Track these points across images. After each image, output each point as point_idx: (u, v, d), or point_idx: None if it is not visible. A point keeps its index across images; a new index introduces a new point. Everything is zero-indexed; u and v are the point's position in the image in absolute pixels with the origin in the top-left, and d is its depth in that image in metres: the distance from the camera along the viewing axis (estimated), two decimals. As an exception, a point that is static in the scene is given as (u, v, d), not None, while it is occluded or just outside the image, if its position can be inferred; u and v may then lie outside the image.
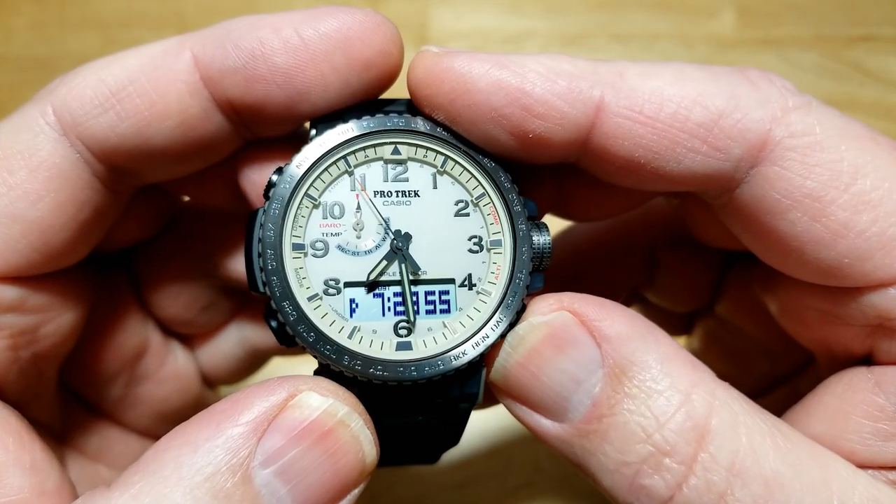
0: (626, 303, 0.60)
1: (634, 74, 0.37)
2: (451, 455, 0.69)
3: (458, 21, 0.96)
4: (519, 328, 0.38)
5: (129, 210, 0.45)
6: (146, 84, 0.37)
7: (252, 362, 0.57)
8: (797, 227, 0.36)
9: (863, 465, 0.36)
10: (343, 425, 0.35)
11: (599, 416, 0.35)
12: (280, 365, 0.63)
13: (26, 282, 0.40)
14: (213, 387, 0.57)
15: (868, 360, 0.40)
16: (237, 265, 0.49)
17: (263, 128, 0.40)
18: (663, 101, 0.36)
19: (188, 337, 0.55)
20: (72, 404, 0.49)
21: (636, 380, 0.35)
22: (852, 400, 0.38)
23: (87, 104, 0.38)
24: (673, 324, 0.61)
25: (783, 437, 0.35)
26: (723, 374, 0.57)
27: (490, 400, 0.41)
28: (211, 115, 0.39)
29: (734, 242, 0.43)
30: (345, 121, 0.39)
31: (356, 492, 0.36)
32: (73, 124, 0.38)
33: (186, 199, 0.52)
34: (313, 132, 0.39)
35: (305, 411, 0.34)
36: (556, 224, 0.53)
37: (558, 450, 0.37)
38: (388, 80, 0.39)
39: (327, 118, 0.39)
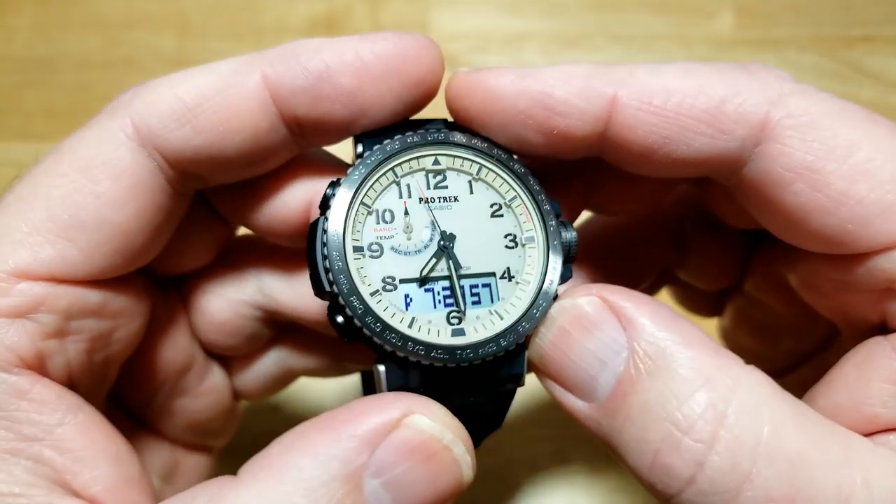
0: (659, 281, 0.63)
1: (644, 73, 0.41)
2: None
3: (458, 22, 0.96)
4: (552, 310, 0.42)
5: (190, 238, 0.49)
6: (220, 101, 0.41)
7: (284, 382, 0.60)
8: (800, 198, 0.39)
9: (886, 429, 0.38)
10: (447, 450, 0.38)
11: (623, 395, 0.37)
12: (306, 383, 0.63)
13: (106, 286, 0.43)
14: (238, 400, 0.59)
15: (885, 328, 0.42)
16: (285, 297, 0.52)
17: (321, 139, 0.45)
18: (670, 92, 0.40)
19: (227, 358, 0.57)
20: (111, 408, 0.51)
21: (659, 361, 0.37)
22: (871, 366, 0.40)
23: (164, 119, 0.41)
24: (705, 302, 0.64)
25: (805, 419, 0.36)
26: (753, 351, 0.61)
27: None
28: (278, 129, 0.42)
29: (754, 223, 0.46)
30: (390, 137, 0.43)
31: None
32: (150, 137, 0.41)
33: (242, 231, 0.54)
34: (359, 148, 0.44)
35: (416, 432, 0.38)
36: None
37: (590, 429, 0.40)
38: (432, 95, 0.44)
39: (371, 134, 0.44)
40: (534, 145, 0.42)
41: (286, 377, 0.59)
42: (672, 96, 0.40)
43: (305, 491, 0.35)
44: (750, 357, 0.39)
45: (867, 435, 0.38)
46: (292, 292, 0.51)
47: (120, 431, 0.43)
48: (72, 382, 0.42)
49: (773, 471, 0.34)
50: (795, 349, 0.57)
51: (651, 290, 0.62)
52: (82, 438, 0.40)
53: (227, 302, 0.52)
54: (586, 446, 0.74)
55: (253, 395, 0.59)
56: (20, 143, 0.88)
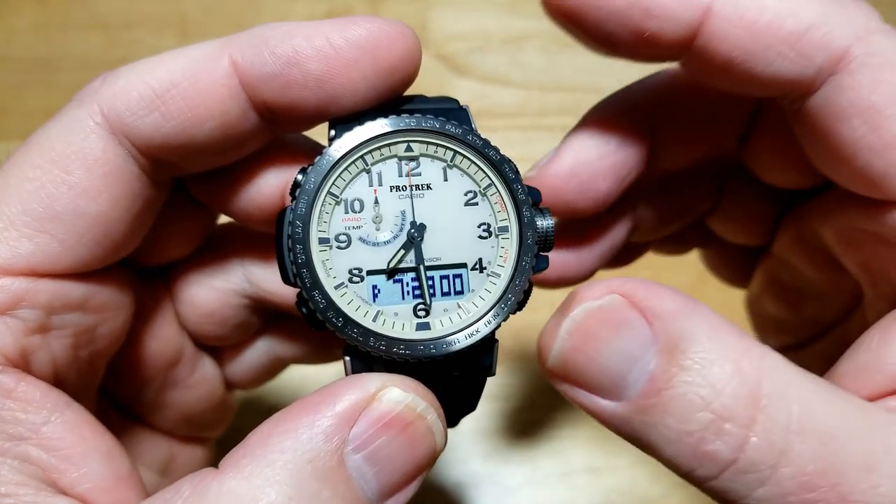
0: (690, 235, 0.63)
1: None
2: (448, 455, 0.70)
3: (458, 22, 0.96)
4: (574, 314, 0.40)
5: (171, 226, 0.48)
6: (189, 87, 0.40)
7: (274, 371, 0.60)
8: (856, 133, 0.41)
9: None
10: (421, 418, 0.39)
11: (657, 391, 0.37)
12: (297, 370, 0.63)
13: (89, 279, 0.43)
14: (230, 390, 0.59)
15: None
16: (271, 285, 0.52)
17: (293, 125, 0.44)
18: (762, 9, 0.41)
19: (218, 349, 0.57)
20: (103, 404, 0.51)
21: (689, 352, 0.37)
22: (895, 328, 0.41)
23: (133, 106, 0.40)
24: (734, 266, 0.65)
25: (829, 394, 0.37)
26: (777, 319, 0.63)
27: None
28: (248, 115, 0.42)
29: (794, 180, 0.48)
30: (361, 122, 0.42)
31: (425, 474, 0.40)
32: (120, 124, 0.40)
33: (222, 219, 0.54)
34: (332, 133, 0.42)
35: (390, 405, 0.38)
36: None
37: (617, 428, 0.39)
38: (408, 83, 0.42)
39: (345, 119, 0.42)
40: (622, 46, 0.43)
41: (276, 366, 0.59)
42: (763, 14, 0.40)
43: (290, 472, 0.35)
44: (773, 326, 0.38)
45: (890, 394, 0.39)
46: (277, 279, 0.50)
47: (112, 427, 0.43)
48: (58, 379, 0.42)
49: (805, 447, 0.35)
50: (818, 315, 0.58)
51: (683, 242, 0.64)
52: (70, 436, 0.39)
53: (214, 291, 0.52)
54: (586, 446, 0.74)
55: (244, 384, 0.58)
56: (21, 143, 0.88)
